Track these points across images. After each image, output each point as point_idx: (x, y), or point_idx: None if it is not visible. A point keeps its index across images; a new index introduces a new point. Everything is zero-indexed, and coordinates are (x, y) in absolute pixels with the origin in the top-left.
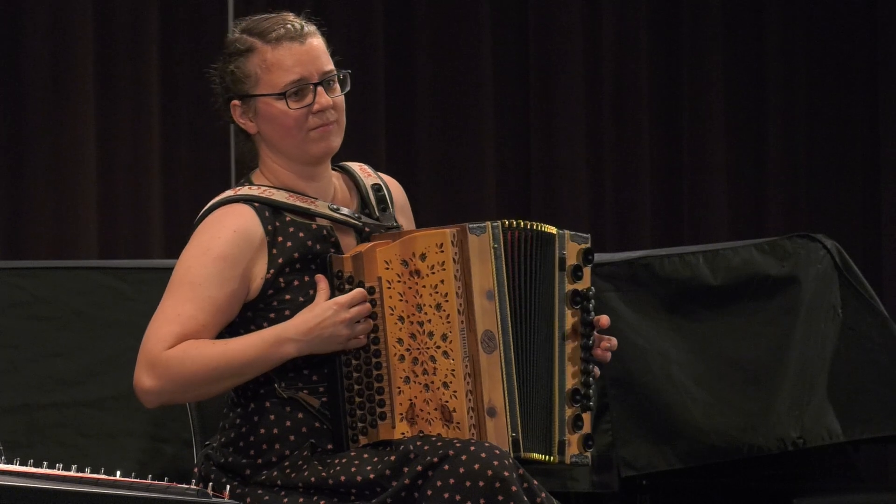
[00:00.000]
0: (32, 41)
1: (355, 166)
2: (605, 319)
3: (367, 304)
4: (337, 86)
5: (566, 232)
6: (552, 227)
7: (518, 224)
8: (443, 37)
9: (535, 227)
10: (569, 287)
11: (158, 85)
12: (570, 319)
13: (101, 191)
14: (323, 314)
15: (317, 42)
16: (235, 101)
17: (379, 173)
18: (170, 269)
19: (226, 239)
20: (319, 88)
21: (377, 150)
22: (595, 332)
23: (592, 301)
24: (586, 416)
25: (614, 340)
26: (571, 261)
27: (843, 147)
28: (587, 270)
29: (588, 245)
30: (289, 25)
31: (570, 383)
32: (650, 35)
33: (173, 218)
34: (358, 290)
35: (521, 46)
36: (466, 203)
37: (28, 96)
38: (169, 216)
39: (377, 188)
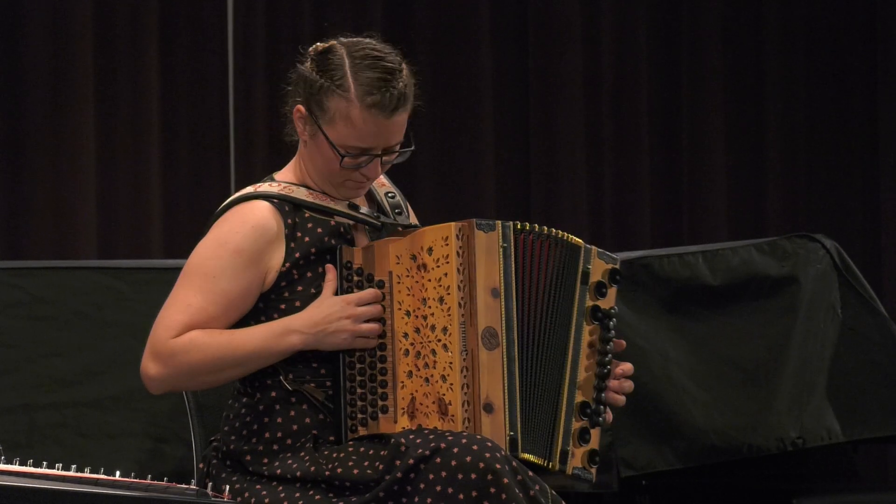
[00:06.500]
0: (32, 41)
1: None
2: (621, 343)
3: (379, 307)
4: (394, 154)
5: (594, 248)
6: (579, 240)
7: (535, 228)
8: (443, 37)
9: (559, 235)
10: (590, 302)
11: (158, 85)
12: (587, 335)
13: (100, 191)
14: (329, 309)
15: (402, 117)
16: (301, 108)
17: (383, 176)
18: (170, 269)
19: (244, 234)
20: (376, 160)
21: None
22: (614, 361)
23: (614, 320)
24: (595, 432)
25: (630, 384)
26: (596, 277)
27: (842, 147)
28: (612, 290)
29: (616, 266)
30: (388, 93)
31: (580, 396)
32: (650, 35)
33: (173, 218)
34: (370, 291)
35: (521, 47)
36: (466, 203)
37: (28, 96)
38: (169, 216)
39: (391, 195)
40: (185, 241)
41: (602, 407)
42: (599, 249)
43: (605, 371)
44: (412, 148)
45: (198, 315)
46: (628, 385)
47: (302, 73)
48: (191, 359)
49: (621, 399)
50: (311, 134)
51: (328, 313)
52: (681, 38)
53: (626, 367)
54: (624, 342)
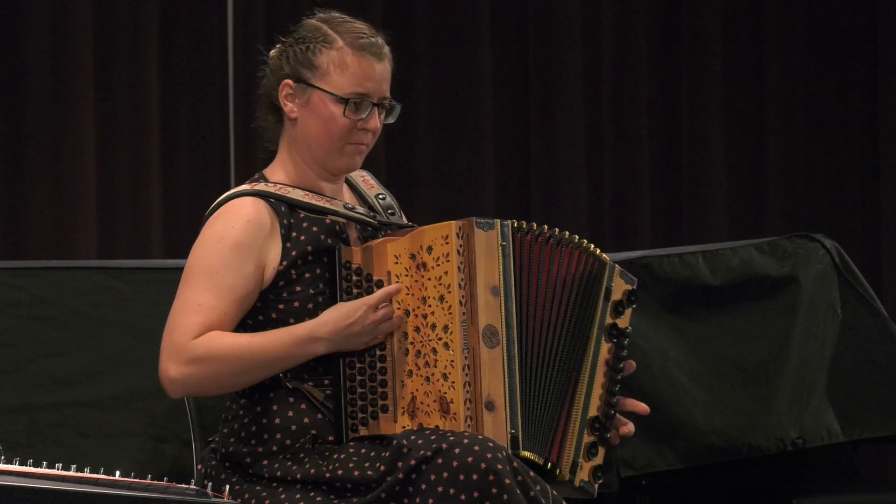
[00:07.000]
0: (32, 41)
1: (357, 177)
2: (631, 364)
3: (392, 306)
4: (384, 113)
5: (616, 265)
6: (606, 256)
7: (533, 227)
8: (442, 38)
9: (584, 243)
10: (609, 320)
11: (158, 85)
12: (604, 352)
13: (100, 191)
14: (353, 314)
15: (389, 66)
16: (289, 82)
17: (372, 178)
18: (170, 269)
19: (240, 228)
20: (374, 109)
21: (377, 153)
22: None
23: (627, 340)
24: (601, 450)
25: (632, 428)
26: (616, 296)
27: (842, 147)
28: (629, 311)
29: (634, 287)
30: (374, 40)
31: (592, 411)
32: (650, 35)
33: (173, 218)
34: (384, 290)
35: (521, 47)
36: (466, 204)
37: (28, 96)
38: (169, 216)
39: (382, 197)
40: (185, 241)
41: (610, 424)
42: (620, 268)
43: (616, 390)
44: (401, 104)
45: (211, 313)
46: (630, 429)
47: (279, 53)
48: (213, 360)
49: (616, 440)
50: (302, 103)
51: (353, 320)
52: (681, 38)
53: (639, 406)
54: (634, 364)
